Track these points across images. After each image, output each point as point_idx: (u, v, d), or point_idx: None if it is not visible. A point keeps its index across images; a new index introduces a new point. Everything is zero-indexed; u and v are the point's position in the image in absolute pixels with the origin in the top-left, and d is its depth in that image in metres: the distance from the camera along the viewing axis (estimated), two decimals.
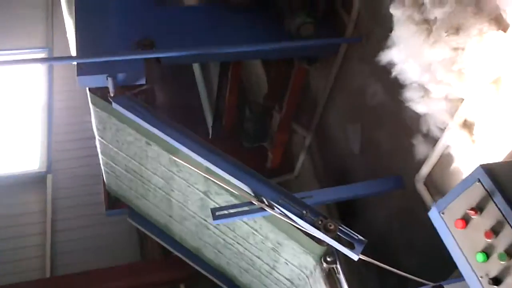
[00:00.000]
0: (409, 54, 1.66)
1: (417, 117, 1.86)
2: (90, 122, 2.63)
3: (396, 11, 1.63)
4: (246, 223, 2.33)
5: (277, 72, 2.96)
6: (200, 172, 2.10)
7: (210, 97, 3.90)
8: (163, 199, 2.81)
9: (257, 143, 3.35)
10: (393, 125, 2.19)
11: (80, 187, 4.64)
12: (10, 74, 5.09)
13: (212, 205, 2.38)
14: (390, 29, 1.76)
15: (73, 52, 2.38)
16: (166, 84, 3.76)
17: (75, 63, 2.14)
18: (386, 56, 1.87)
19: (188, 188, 2.49)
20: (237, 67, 2.98)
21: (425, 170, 1.97)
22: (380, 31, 2.14)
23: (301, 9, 2.31)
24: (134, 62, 2.17)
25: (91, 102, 2.36)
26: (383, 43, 1.81)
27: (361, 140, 2.52)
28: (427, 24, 1.55)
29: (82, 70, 2.11)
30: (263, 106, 3.20)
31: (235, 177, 1.98)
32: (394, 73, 1.83)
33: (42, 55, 5.15)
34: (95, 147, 2.83)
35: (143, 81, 2.20)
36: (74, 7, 2.38)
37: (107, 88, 2.15)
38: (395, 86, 1.88)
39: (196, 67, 4.16)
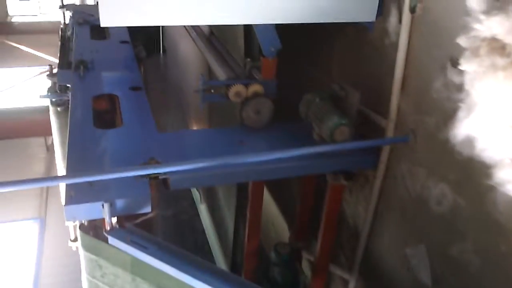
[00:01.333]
0: (495, 115, 1.29)
1: None
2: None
3: (470, 65, 1.31)
4: None
5: (304, 198, 2.54)
6: None
7: (221, 240, 3.39)
8: None
9: None
10: (480, 232, 1.70)
11: None
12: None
13: None
14: (444, 111, 1.42)
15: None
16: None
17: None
18: (457, 136, 1.50)
19: None
20: (258, 196, 2.56)
21: None
22: (431, 119, 1.81)
23: (332, 112, 2.01)
24: (136, 184, 1.76)
25: (82, 245, 1.88)
26: (441, 130, 1.46)
27: (430, 265, 1.98)
28: None
29: (71, 198, 1.68)
30: (291, 247, 2.70)
31: None
32: (471, 153, 1.44)
33: (35, 226, 4.82)
34: None
35: (148, 208, 1.77)
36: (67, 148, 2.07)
37: (100, 225, 1.72)
38: (473, 176, 1.47)
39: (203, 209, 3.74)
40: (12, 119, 6.03)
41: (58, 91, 2.89)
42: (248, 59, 2.31)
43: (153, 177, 1.78)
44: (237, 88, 2.15)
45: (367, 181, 2.31)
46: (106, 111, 2.30)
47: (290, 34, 2.19)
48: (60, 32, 4.23)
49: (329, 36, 2.55)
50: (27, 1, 14.79)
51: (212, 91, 2.20)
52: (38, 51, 9.06)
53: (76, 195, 1.68)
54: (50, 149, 5.59)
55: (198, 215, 4.05)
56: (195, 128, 3.14)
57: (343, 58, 2.50)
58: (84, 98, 2.48)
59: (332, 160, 2.08)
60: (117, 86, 2.63)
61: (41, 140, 6.52)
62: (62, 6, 4.24)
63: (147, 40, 4.44)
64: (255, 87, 2.19)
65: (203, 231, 3.98)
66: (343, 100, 2.13)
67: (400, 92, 1.99)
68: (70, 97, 2.59)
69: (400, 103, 2.00)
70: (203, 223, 3.87)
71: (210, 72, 2.68)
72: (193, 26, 3.11)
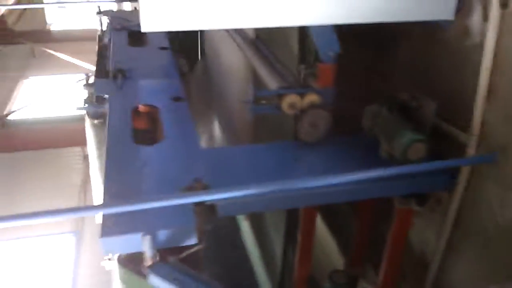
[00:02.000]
0: None
1: None
2: None
3: None
4: None
5: (364, 221, 2.27)
6: None
7: (266, 263, 3.14)
8: None
9: None
10: None
11: None
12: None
13: None
14: None
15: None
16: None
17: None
18: None
19: None
20: (311, 221, 2.30)
21: None
22: None
23: (404, 126, 1.74)
24: (180, 213, 1.55)
25: (120, 279, 1.67)
26: None
27: None
28: None
29: (109, 229, 1.48)
30: (348, 274, 2.43)
31: None
32: None
33: (71, 239, 4.72)
34: None
35: (193, 240, 1.55)
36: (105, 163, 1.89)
37: (140, 258, 1.51)
38: None
39: (248, 233, 3.51)
40: (49, 128, 6.02)
41: (95, 102, 2.73)
42: (302, 65, 2.07)
43: (199, 204, 1.55)
44: (291, 98, 1.91)
45: (438, 203, 2.02)
46: (146, 130, 2.10)
47: (344, 37, 1.94)
48: (97, 39, 4.11)
49: (391, 39, 2.28)
50: (64, 8, 15.05)
51: (263, 101, 1.97)
52: (77, 59, 9.11)
53: (113, 226, 1.47)
54: (87, 159, 5.54)
55: (239, 231, 3.83)
56: (239, 142, 2.92)
57: (408, 64, 2.22)
58: (122, 110, 2.30)
59: (402, 181, 1.81)
60: (157, 96, 2.44)
61: (78, 149, 6.48)
62: (99, 12, 4.11)
63: (188, 51, 4.27)
64: (311, 97, 1.94)
65: (244, 247, 3.75)
66: (415, 112, 1.86)
67: (485, 101, 1.71)
68: (107, 109, 2.42)
69: (485, 114, 1.72)
70: (245, 240, 3.64)
71: (256, 81, 2.45)
72: (237, 30, 2.90)
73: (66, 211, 1.37)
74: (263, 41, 2.66)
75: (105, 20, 4.12)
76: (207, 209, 1.60)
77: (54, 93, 8.65)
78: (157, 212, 1.50)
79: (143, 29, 1.50)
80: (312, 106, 1.95)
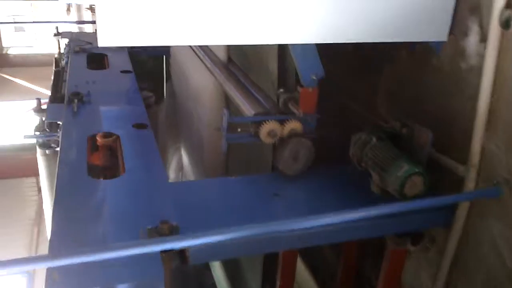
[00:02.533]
0: None
1: None
2: None
3: None
4: None
5: (349, 260, 2.07)
6: None
7: None
8: None
9: None
10: None
11: None
12: None
13: None
14: None
15: None
16: None
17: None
18: None
19: None
20: (291, 264, 2.08)
21: None
22: None
23: (399, 157, 1.56)
24: (145, 263, 1.30)
25: None
26: None
27: None
28: None
29: (55, 283, 1.22)
30: None
31: None
32: None
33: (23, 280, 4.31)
34: None
35: None
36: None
37: None
38: None
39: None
40: (2, 157, 5.60)
41: (47, 130, 2.46)
42: (281, 90, 1.88)
43: (167, 251, 1.31)
44: (271, 125, 1.72)
45: (433, 241, 1.85)
46: (104, 162, 1.85)
47: (323, 58, 1.78)
48: (54, 63, 3.84)
49: (374, 61, 2.14)
50: (22, 32, 14.58)
51: (239, 129, 1.77)
52: (36, 85, 8.72)
53: (61, 281, 1.21)
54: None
55: (209, 269, 3.55)
56: (211, 174, 2.69)
57: (394, 88, 2.07)
58: (77, 138, 2.05)
59: (396, 220, 1.62)
60: (118, 123, 2.19)
61: (32, 180, 6.08)
62: (57, 34, 3.86)
63: (152, 75, 4.05)
64: (293, 124, 1.75)
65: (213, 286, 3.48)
66: (406, 141, 1.70)
67: (485, 129, 1.56)
68: (60, 137, 2.16)
69: (485, 143, 1.57)
70: (215, 279, 3.36)
71: (230, 106, 2.25)
72: (206, 52, 2.71)
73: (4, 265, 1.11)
74: (236, 64, 2.47)
75: (64, 42, 3.86)
76: (177, 256, 1.36)
77: (9, 120, 8.20)
78: (116, 262, 1.25)
79: (100, 44, 1.29)
80: (294, 134, 1.76)
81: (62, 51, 3.84)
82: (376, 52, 2.02)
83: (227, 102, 2.45)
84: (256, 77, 2.21)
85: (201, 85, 2.78)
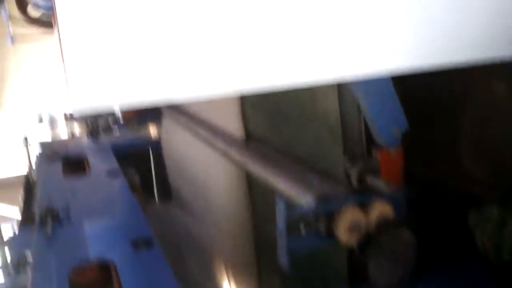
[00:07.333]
0: None
1: None
2: None
3: None
4: None
5: None
6: None
7: None
8: None
9: None
10: None
11: None
12: None
13: None
14: None
15: None
16: None
17: None
18: None
19: None
20: None
21: None
22: None
23: None
24: None
25: None
26: None
27: None
28: None
29: None
30: None
31: None
32: None
33: None
34: None
35: None
36: None
37: None
38: None
39: None
40: None
41: (15, 268, 1.84)
42: (347, 160, 1.32)
43: None
44: (351, 214, 1.13)
45: None
46: None
47: None
48: (24, 178, 3.27)
49: (453, 103, 1.60)
50: None
51: (301, 226, 1.18)
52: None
53: None
54: None
55: None
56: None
57: (488, 136, 1.52)
58: (53, 276, 1.43)
59: None
60: (110, 244, 1.60)
61: None
62: (25, 141, 3.31)
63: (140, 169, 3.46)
64: (380, 207, 1.17)
65: None
66: None
67: None
68: (29, 275, 1.55)
69: None
70: None
71: (263, 197, 1.66)
72: (211, 131, 2.17)
73: None
74: (259, 139, 1.93)
75: (34, 151, 3.31)
76: None
77: None
78: None
79: (74, 113, 0.76)
80: (384, 223, 1.17)
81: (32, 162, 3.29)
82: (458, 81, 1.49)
83: (258, 192, 1.87)
84: (295, 149, 1.64)
85: (212, 174, 2.21)
